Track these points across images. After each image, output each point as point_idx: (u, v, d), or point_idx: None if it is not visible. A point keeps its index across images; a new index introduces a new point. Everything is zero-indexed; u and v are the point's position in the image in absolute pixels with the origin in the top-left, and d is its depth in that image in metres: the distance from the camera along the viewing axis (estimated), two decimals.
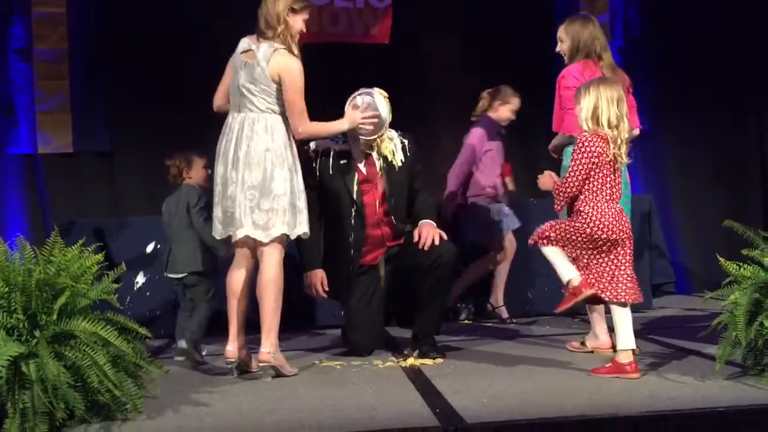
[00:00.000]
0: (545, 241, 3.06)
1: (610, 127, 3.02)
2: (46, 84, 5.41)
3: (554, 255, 3.05)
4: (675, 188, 5.85)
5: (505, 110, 4.64)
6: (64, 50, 5.43)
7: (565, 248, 3.04)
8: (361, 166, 3.54)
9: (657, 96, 5.66)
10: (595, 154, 3.00)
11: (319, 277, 3.52)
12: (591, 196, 3.02)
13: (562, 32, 3.66)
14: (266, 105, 3.16)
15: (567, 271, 3.03)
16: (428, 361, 3.31)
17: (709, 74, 5.66)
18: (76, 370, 2.41)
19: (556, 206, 3.20)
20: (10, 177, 5.44)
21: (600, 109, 3.03)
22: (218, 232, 3.22)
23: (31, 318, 2.46)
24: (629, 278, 3.00)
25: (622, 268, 3.00)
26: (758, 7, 5.57)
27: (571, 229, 3.02)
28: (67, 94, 5.43)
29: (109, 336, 2.46)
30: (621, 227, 3.01)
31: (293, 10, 3.21)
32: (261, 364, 3.13)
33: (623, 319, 2.97)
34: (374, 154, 3.54)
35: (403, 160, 3.55)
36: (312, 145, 3.56)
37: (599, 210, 3.00)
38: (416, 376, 3.04)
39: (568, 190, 3.05)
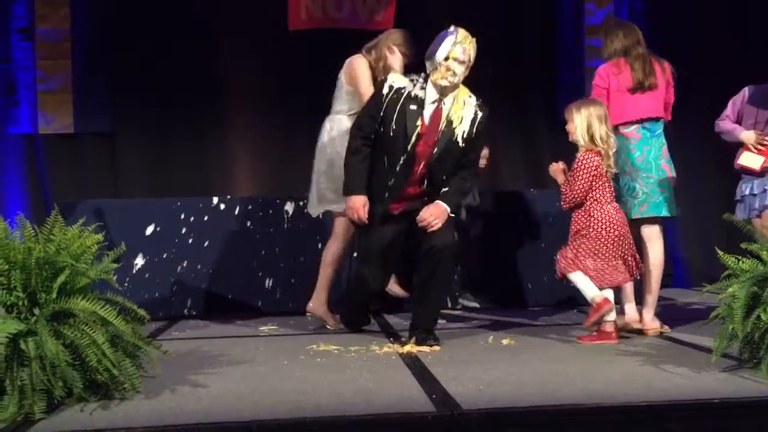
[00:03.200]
0: (569, 266, 3.49)
1: (603, 142, 3.51)
2: (47, 64, 5.40)
3: (578, 278, 3.50)
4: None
5: None
6: (67, 30, 5.42)
7: (586, 256, 3.49)
8: (426, 117, 3.41)
9: None
10: (594, 168, 3.51)
11: (362, 202, 3.45)
12: (596, 203, 3.53)
13: (603, 35, 3.99)
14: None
15: (590, 290, 3.48)
16: (425, 348, 3.32)
17: (711, 66, 5.65)
18: (75, 348, 2.41)
19: (563, 206, 3.60)
20: (11, 156, 5.45)
21: (593, 127, 3.51)
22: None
23: (30, 296, 2.46)
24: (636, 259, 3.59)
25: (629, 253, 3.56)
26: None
27: (587, 239, 3.50)
28: (68, 74, 5.42)
29: (108, 315, 2.46)
30: (624, 221, 3.55)
31: (390, 48, 3.82)
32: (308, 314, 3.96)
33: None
34: (443, 109, 3.41)
35: (465, 134, 3.43)
36: (390, 78, 3.48)
37: (606, 212, 3.52)
38: (413, 363, 3.05)
39: (575, 198, 3.54)
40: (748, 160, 3.96)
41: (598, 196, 3.52)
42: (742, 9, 5.69)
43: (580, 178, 3.51)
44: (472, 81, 3.49)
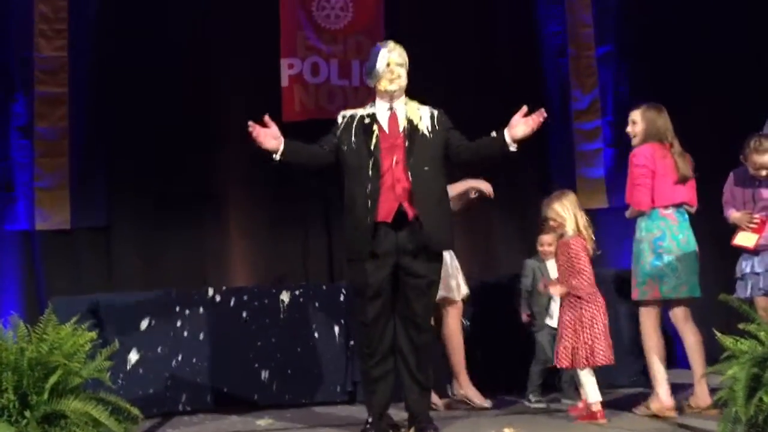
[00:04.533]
0: (582, 362, 3.76)
1: (585, 229, 3.89)
2: (45, 161, 5.46)
3: (588, 377, 3.78)
4: None
5: None
6: (65, 128, 5.49)
7: (583, 331, 3.80)
8: (384, 124, 3.57)
9: None
10: (587, 251, 3.89)
11: (275, 133, 3.51)
12: (587, 282, 3.88)
13: (637, 116, 4.10)
14: None
15: (595, 393, 3.76)
16: None
17: (699, 150, 5.74)
18: None
19: (583, 295, 3.86)
20: (7, 253, 5.44)
21: (578, 216, 3.90)
22: None
23: (21, 398, 2.43)
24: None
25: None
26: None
27: (582, 324, 3.81)
28: (66, 171, 5.47)
29: (100, 416, 2.43)
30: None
31: None
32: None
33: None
34: (398, 114, 3.58)
35: (429, 127, 3.56)
36: (342, 112, 3.72)
37: (594, 292, 3.88)
38: None
39: (590, 283, 3.88)
40: (743, 239, 4.05)
41: (589, 277, 3.87)
42: (725, 89, 5.82)
43: (584, 263, 3.84)
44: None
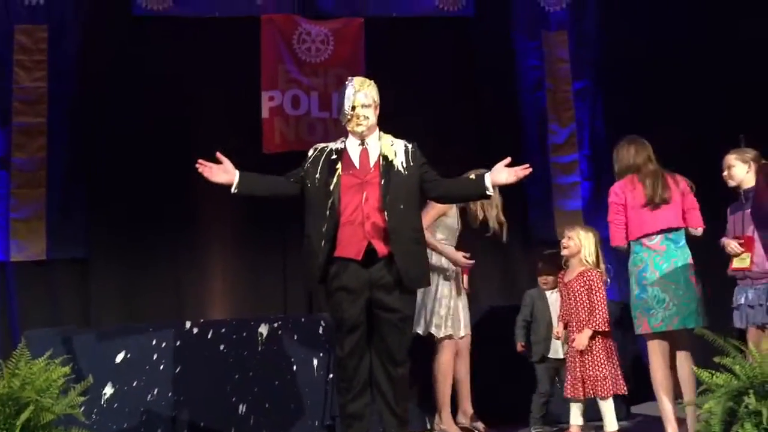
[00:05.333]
0: (609, 390, 3.99)
1: (601, 265, 4.17)
2: (22, 192, 5.42)
3: (610, 405, 4.01)
4: None
5: None
6: (43, 159, 5.48)
7: (609, 361, 4.04)
8: (355, 161, 3.54)
9: None
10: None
11: (226, 168, 3.52)
12: (605, 316, 4.09)
13: (614, 155, 4.12)
14: None
15: (613, 422, 4.00)
16: None
17: None
18: None
19: (602, 330, 4.06)
20: None
21: (598, 250, 4.15)
22: None
23: None
24: None
25: None
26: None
27: (598, 354, 4.03)
28: (42, 201, 5.44)
29: None
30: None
31: None
32: None
33: None
34: (370, 151, 3.55)
35: (404, 163, 3.54)
36: (315, 145, 3.71)
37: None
38: None
39: (605, 317, 4.06)
40: (738, 262, 3.99)
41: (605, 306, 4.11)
42: (706, 117, 5.91)
43: (604, 296, 4.04)
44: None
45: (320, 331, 4.63)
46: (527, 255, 5.94)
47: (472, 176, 3.65)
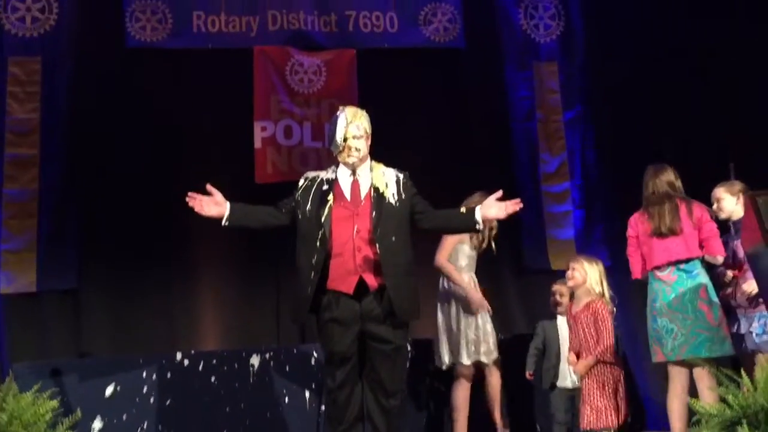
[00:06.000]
0: (610, 421, 3.99)
1: (609, 297, 4.19)
2: (13, 223, 5.38)
3: None
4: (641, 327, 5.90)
5: None
6: (35, 190, 5.45)
7: (615, 393, 4.03)
8: (346, 192, 3.53)
9: (620, 236, 5.80)
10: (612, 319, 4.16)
11: (217, 200, 3.53)
12: (612, 347, 4.10)
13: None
14: None
15: None
16: None
17: None
18: None
19: (606, 360, 4.06)
20: None
21: (605, 282, 4.16)
22: None
23: None
24: None
25: None
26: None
27: (609, 386, 4.04)
28: (34, 233, 5.39)
29: None
30: None
31: None
32: None
33: None
34: (361, 182, 3.54)
35: (396, 194, 3.53)
36: (306, 173, 3.71)
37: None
38: None
39: (610, 349, 4.05)
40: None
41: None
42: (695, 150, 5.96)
43: (610, 327, 4.04)
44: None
45: (312, 363, 4.61)
46: (519, 283, 5.94)
47: (463, 209, 3.65)
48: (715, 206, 4.09)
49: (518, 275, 5.97)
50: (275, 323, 5.72)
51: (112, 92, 5.64)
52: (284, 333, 5.68)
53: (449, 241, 4.52)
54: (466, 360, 4.46)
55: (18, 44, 5.58)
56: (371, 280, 3.42)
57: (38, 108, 5.53)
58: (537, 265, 5.97)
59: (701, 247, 3.91)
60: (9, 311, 5.35)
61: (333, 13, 6.03)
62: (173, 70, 5.79)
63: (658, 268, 3.90)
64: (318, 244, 3.44)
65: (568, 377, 4.33)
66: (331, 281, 3.44)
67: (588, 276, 4.12)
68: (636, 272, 4.02)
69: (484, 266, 6.00)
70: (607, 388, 3.98)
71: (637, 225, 4.02)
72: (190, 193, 3.47)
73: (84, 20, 5.68)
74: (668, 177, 4.06)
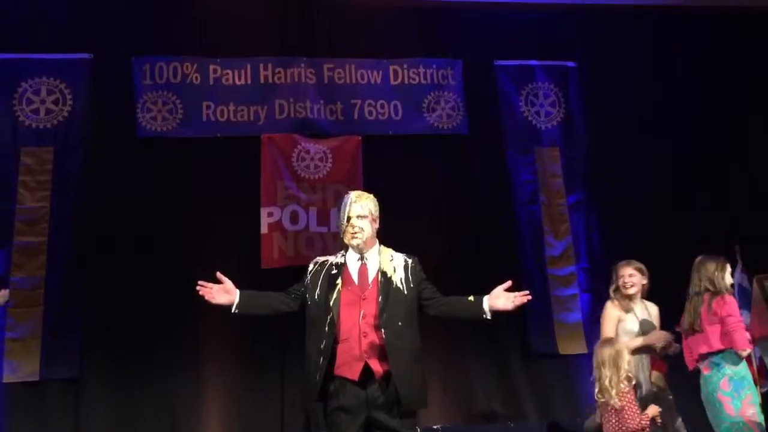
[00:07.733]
0: None
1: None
2: (19, 312, 5.37)
3: None
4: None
5: None
6: (42, 277, 5.46)
7: None
8: (354, 276, 3.49)
9: None
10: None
11: (228, 288, 3.48)
12: None
13: None
14: None
15: None
16: None
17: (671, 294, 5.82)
18: None
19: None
20: None
21: (621, 370, 4.08)
22: None
23: None
24: None
25: None
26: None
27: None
28: (39, 321, 5.38)
29: None
30: None
31: None
32: None
33: None
34: (369, 266, 3.50)
35: (404, 279, 3.48)
36: (315, 258, 3.67)
37: None
38: None
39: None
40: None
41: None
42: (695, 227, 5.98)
43: (635, 412, 3.99)
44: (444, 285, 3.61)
45: None
46: (527, 368, 5.86)
47: (471, 297, 3.57)
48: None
49: (524, 359, 5.90)
50: (280, 411, 5.62)
51: (121, 180, 5.72)
52: (289, 421, 5.57)
53: (610, 321, 4.50)
54: None
55: (31, 135, 5.71)
56: (377, 367, 3.36)
57: (48, 196, 5.61)
58: (545, 349, 5.90)
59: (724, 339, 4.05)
60: (11, 400, 5.27)
61: (339, 102, 6.19)
62: (182, 159, 5.89)
63: (698, 360, 4.13)
64: (326, 329, 3.41)
65: None
66: (337, 367, 3.39)
67: (608, 370, 4.15)
68: (689, 364, 4.21)
69: (491, 350, 5.96)
70: None
71: (683, 320, 4.24)
72: (200, 282, 3.45)
73: (96, 111, 5.82)
74: (707, 272, 4.18)
